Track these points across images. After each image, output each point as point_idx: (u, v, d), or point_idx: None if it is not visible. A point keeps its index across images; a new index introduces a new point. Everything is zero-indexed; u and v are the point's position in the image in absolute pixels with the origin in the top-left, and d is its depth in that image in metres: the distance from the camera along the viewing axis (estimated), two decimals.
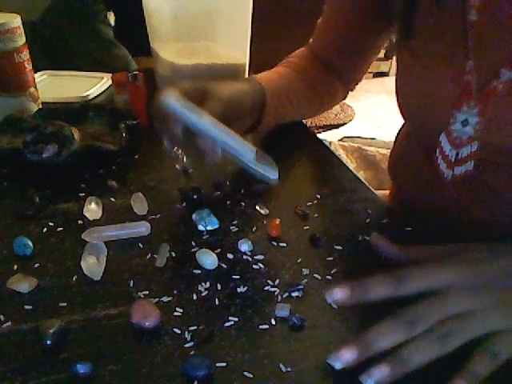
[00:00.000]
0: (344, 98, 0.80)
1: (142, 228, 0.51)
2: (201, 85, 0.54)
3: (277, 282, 0.45)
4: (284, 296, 0.43)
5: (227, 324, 0.40)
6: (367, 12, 0.67)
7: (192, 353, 0.37)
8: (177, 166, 0.64)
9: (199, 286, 0.44)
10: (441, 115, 0.53)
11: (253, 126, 0.64)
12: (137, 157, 0.67)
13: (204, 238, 0.51)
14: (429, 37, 0.54)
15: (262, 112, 0.63)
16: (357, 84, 0.80)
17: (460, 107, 0.51)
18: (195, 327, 0.39)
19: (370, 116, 2.91)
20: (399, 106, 0.62)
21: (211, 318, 0.41)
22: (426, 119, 0.57)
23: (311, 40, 0.77)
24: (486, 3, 0.47)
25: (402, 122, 0.70)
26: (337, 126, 2.59)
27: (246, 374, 0.36)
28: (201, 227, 0.52)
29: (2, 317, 0.40)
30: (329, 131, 2.54)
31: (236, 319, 0.41)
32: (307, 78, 0.71)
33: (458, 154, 0.53)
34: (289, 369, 0.36)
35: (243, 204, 0.57)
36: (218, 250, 0.48)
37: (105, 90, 0.93)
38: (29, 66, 0.74)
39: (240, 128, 0.58)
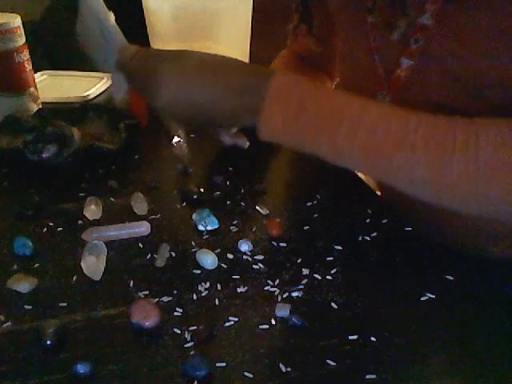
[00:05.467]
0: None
1: (142, 228, 0.51)
2: None
3: (277, 282, 0.45)
4: (284, 296, 0.43)
5: (227, 324, 0.40)
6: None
7: (192, 353, 0.37)
8: (177, 166, 0.64)
9: (199, 285, 0.44)
10: None
11: None
12: (137, 157, 0.67)
13: (204, 238, 0.51)
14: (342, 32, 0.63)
15: None
16: None
17: (375, 96, 0.57)
18: (195, 327, 0.39)
19: None
20: None
21: (211, 318, 0.41)
22: None
23: (289, 42, 0.79)
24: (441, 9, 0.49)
25: None
26: None
27: (246, 374, 0.36)
28: (201, 227, 0.52)
29: (2, 317, 0.40)
30: None
31: (236, 319, 0.40)
32: (301, 72, 0.74)
33: None
34: (289, 369, 0.36)
35: (243, 204, 0.57)
36: (218, 250, 0.48)
37: (105, 90, 0.93)
38: (29, 66, 0.74)
39: None
